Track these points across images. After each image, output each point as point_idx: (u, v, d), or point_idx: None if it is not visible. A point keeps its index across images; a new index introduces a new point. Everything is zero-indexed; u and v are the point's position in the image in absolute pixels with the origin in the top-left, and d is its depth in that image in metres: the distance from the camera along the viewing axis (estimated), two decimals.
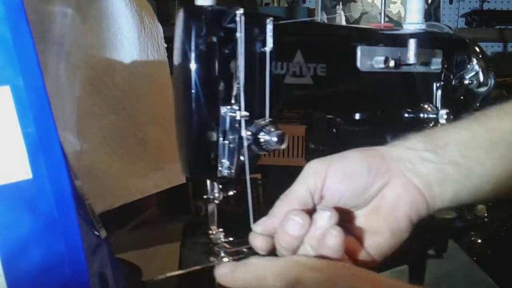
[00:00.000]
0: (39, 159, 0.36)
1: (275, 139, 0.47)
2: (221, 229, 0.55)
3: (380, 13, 0.78)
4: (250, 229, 0.46)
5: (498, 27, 2.02)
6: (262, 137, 0.48)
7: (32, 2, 0.60)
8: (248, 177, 0.47)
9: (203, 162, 0.50)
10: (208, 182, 0.53)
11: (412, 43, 0.59)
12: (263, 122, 0.49)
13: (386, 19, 1.28)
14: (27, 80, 0.36)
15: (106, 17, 0.69)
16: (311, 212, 0.44)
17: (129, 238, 0.82)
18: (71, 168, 0.40)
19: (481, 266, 0.72)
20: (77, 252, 0.38)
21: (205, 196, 0.53)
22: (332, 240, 0.40)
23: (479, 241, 0.81)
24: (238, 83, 0.48)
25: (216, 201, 0.53)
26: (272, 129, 0.48)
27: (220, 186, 0.53)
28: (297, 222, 0.42)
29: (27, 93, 0.36)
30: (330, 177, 0.44)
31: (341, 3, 2.23)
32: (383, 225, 0.46)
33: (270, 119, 0.50)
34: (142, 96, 0.73)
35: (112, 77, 0.69)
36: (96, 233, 0.42)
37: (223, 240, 0.55)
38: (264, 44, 0.49)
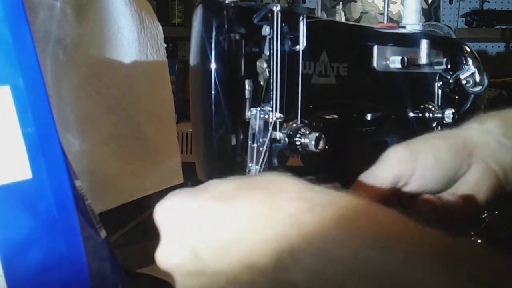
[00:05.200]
0: (39, 159, 0.36)
1: (313, 142, 0.46)
2: None
3: (382, 13, 0.78)
4: None
5: (498, 27, 2.02)
6: (299, 140, 0.46)
7: None
8: None
9: (225, 167, 0.46)
10: None
11: (424, 43, 0.59)
12: (295, 124, 0.47)
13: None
14: (27, 80, 0.36)
15: (106, 17, 0.69)
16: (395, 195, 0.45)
17: (129, 238, 0.82)
18: (71, 168, 0.40)
19: None
20: (77, 252, 0.38)
21: None
22: None
23: (479, 241, 0.81)
24: (267, 84, 0.45)
25: None
26: (307, 132, 0.46)
27: None
28: None
29: (27, 93, 0.36)
30: (421, 166, 0.44)
31: (341, 3, 2.23)
32: None
33: (303, 121, 0.48)
34: (141, 96, 0.73)
35: (111, 77, 0.69)
36: (96, 233, 0.42)
37: None
38: (294, 42, 0.46)
